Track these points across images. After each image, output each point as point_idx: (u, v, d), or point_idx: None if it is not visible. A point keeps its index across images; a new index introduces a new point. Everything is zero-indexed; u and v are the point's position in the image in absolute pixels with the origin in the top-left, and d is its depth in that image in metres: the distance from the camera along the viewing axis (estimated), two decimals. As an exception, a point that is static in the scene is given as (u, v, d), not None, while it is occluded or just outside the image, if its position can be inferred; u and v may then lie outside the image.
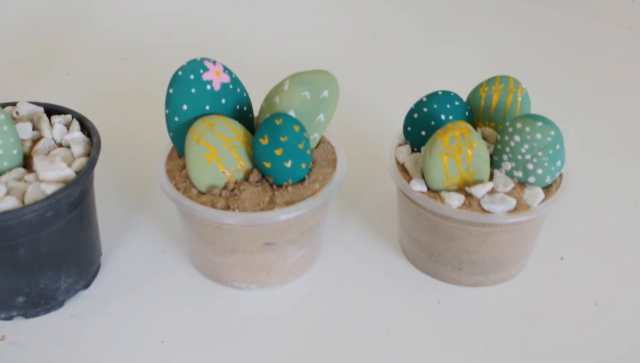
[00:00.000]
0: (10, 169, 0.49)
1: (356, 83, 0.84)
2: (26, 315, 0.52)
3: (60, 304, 0.53)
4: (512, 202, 0.50)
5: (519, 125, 0.51)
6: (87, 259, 0.53)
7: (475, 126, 0.57)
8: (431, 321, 0.53)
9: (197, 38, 0.96)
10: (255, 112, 0.56)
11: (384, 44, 0.98)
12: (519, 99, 0.56)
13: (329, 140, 0.57)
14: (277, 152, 0.50)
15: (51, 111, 0.56)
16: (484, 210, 0.50)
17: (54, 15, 1.01)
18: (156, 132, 0.66)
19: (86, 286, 0.54)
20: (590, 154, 0.73)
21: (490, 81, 0.56)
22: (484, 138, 0.56)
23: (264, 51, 0.93)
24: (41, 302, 0.51)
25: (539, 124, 0.50)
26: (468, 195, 0.51)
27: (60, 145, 0.53)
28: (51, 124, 0.54)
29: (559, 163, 0.51)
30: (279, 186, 0.51)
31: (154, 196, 0.64)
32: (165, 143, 0.56)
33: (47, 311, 0.52)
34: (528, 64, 0.92)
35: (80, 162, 0.50)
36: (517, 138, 0.51)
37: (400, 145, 0.57)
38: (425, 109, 0.55)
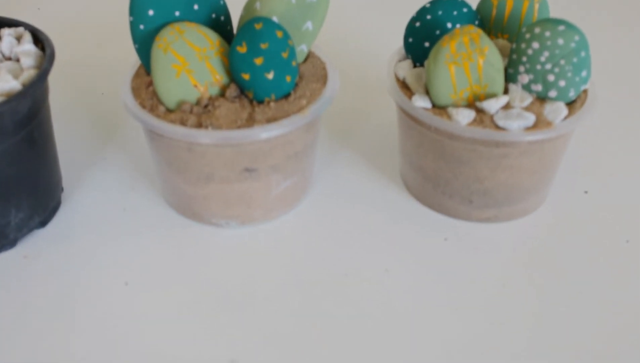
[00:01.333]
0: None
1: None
2: (-28, 254, 0.45)
3: (12, 243, 0.46)
4: (530, 118, 0.43)
5: (537, 30, 0.44)
6: (42, 191, 0.46)
7: (486, 39, 0.50)
8: (437, 260, 0.46)
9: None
10: (235, 23, 0.49)
11: None
12: (536, 6, 0.49)
13: (318, 56, 0.49)
14: (257, 61, 0.43)
15: (1, 23, 0.49)
16: (497, 127, 0.43)
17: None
18: (126, 47, 0.59)
19: (43, 224, 0.47)
20: (618, 70, 0.65)
21: (504, -14, 0.49)
22: (497, 51, 0.49)
23: None
24: (-11, 240, 0.45)
25: (561, 28, 0.43)
26: (479, 111, 0.44)
27: (10, 59, 0.46)
28: (0, 37, 0.47)
29: (584, 73, 0.44)
30: (260, 101, 0.44)
31: (124, 127, 0.57)
32: (133, 59, 0.49)
33: (-3, 250, 0.46)
34: None
35: (29, 74, 0.43)
36: (535, 45, 0.44)
37: (400, 61, 0.50)
38: (428, 17, 0.47)
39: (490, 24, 0.49)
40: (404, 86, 0.47)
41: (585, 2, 0.76)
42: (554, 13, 0.51)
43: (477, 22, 0.48)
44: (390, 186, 0.52)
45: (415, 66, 0.49)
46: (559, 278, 0.45)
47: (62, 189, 0.50)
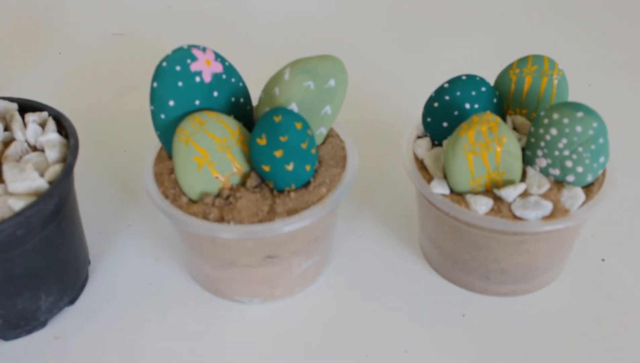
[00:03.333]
0: (-23, 179, 0.44)
1: (369, 65, 0.76)
2: (5, 337, 0.47)
3: (42, 324, 0.47)
4: (547, 206, 0.44)
5: (555, 116, 0.44)
6: (70, 274, 0.48)
7: (504, 114, 0.50)
8: (456, 338, 0.47)
9: (200, 6, 0.89)
10: (255, 101, 0.50)
11: (402, 18, 0.88)
12: (555, 82, 0.48)
13: (337, 133, 0.50)
14: (277, 154, 0.44)
15: (26, 107, 0.49)
16: (515, 216, 0.44)
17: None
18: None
19: (72, 302, 0.49)
20: (633, 146, 0.64)
21: (522, 62, 0.49)
22: (515, 128, 0.49)
23: (273, 20, 0.86)
24: (20, 324, 0.46)
25: (579, 114, 0.43)
26: (497, 198, 0.45)
27: (35, 148, 0.47)
28: (25, 124, 0.48)
29: (602, 159, 0.44)
30: (281, 191, 0.45)
31: (149, 193, 0.58)
32: (155, 138, 0.50)
33: (29, 332, 0.47)
34: (566, 40, 0.82)
35: (55, 170, 0.44)
36: (553, 131, 0.44)
37: (419, 137, 0.50)
38: (447, 97, 0.48)
39: (509, 99, 0.49)
40: (422, 167, 0.48)
41: (604, 78, 0.75)
42: (572, 87, 0.51)
43: (495, 100, 0.48)
44: (410, 258, 0.52)
45: (434, 144, 0.49)
46: (578, 351, 0.46)
47: (89, 262, 0.52)
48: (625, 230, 0.54)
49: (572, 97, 0.50)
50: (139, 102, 0.68)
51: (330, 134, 0.49)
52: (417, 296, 0.50)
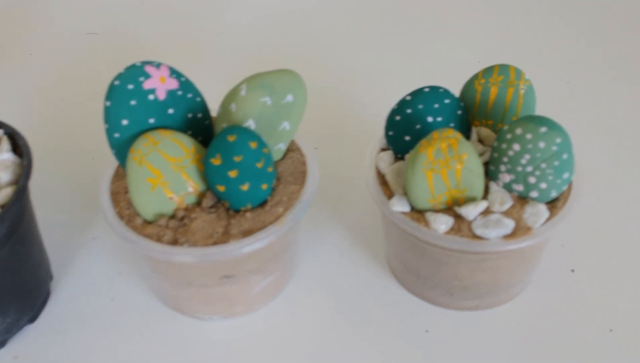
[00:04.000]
0: None
1: (334, 73, 0.73)
2: (-36, 358, 0.46)
3: (1, 344, 0.47)
4: (509, 225, 0.43)
5: (518, 131, 0.43)
6: (29, 293, 0.47)
7: (470, 125, 0.48)
8: (418, 353, 0.46)
9: (173, 3, 0.86)
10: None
11: (381, 18, 0.84)
12: (521, 92, 0.47)
13: (299, 146, 0.49)
14: (232, 174, 0.43)
15: (-20, 123, 0.49)
16: (475, 236, 0.43)
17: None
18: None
19: (32, 320, 0.48)
20: (608, 151, 0.62)
21: (488, 72, 0.47)
22: (480, 140, 0.48)
23: (248, 18, 0.83)
24: (-21, 345, 0.46)
25: (543, 130, 0.42)
26: (458, 217, 0.44)
27: (-12, 167, 0.46)
28: (-22, 142, 0.47)
29: (566, 175, 0.43)
30: (237, 211, 0.44)
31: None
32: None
33: (-12, 352, 0.47)
34: (534, 49, 0.78)
35: (6, 193, 0.43)
36: (516, 147, 0.43)
37: (383, 150, 0.49)
38: (409, 111, 0.46)
39: (474, 110, 0.48)
40: (384, 182, 0.47)
41: (574, 87, 0.72)
42: (540, 97, 0.49)
43: (459, 112, 0.47)
44: (375, 268, 0.51)
45: (396, 158, 0.48)
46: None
47: (52, 277, 0.51)
48: (596, 240, 0.53)
49: (545, 105, 0.49)
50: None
51: (291, 148, 0.48)
52: (381, 311, 0.49)
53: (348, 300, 0.50)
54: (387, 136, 0.48)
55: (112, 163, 0.48)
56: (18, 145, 0.47)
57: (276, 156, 0.47)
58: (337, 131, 0.64)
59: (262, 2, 0.86)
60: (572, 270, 0.51)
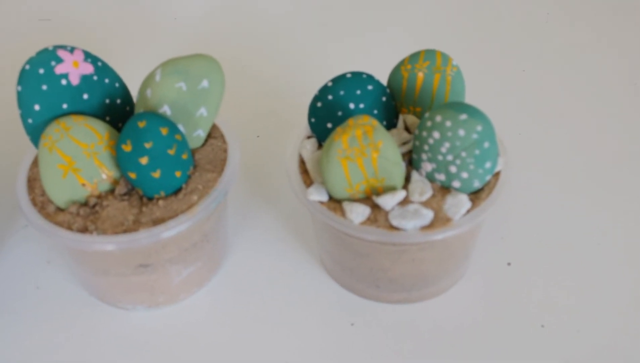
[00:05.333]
0: None
1: (262, 59, 0.71)
2: None
3: None
4: (427, 215, 0.41)
5: (438, 118, 0.41)
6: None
7: (397, 113, 0.47)
8: (344, 346, 0.45)
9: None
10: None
11: (320, 5, 0.81)
12: (449, 78, 0.45)
13: (223, 133, 0.48)
14: (142, 161, 0.42)
15: None
16: (392, 226, 0.41)
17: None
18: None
19: (-45, 307, 0.48)
20: (543, 139, 0.60)
21: (414, 58, 0.46)
22: (407, 128, 0.46)
23: (202, 4, 0.81)
24: None
25: (462, 117, 0.40)
26: (375, 206, 0.42)
27: None
28: None
29: (488, 165, 0.42)
30: (150, 199, 0.43)
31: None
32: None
33: None
34: (463, 33, 0.75)
35: None
36: (436, 135, 0.41)
37: (308, 137, 0.47)
38: (330, 97, 0.45)
39: (401, 97, 0.47)
40: (305, 170, 0.45)
41: (504, 70, 0.69)
42: (469, 82, 0.48)
43: (384, 98, 0.45)
44: (305, 259, 0.50)
45: (320, 146, 0.47)
46: (472, 359, 0.44)
47: (-20, 264, 0.51)
48: (536, 233, 0.51)
49: (468, 94, 0.47)
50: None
51: (213, 136, 0.47)
52: (309, 303, 0.48)
53: (276, 291, 0.48)
54: (310, 123, 0.46)
55: (32, 149, 0.47)
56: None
57: (195, 143, 0.46)
58: (277, 119, 0.63)
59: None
60: (509, 264, 0.49)
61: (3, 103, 0.61)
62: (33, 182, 0.45)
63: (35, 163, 0.47)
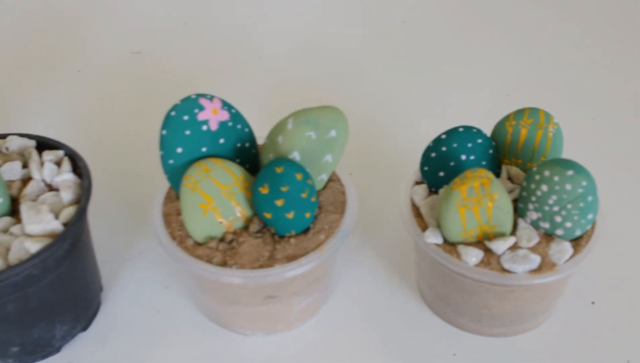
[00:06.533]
0: (-4, 218, 0.47)
1: (373, 108, 0.76)
2: None
3: (57, 350, 0.51)
4: (535, 260, 0.46)
5: (547, 173, 0.46)
6: (83, 303, 0.51)
7: (500, 164, 0.51)
8: (446, 376, 0.49)
9: (214, 25, 0.91)
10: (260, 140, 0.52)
11: (417, 56, 0.86)
12: (550, 135, 0.50)
13: (339, 176, 0.52)
14: (278, 203, 0.46)
15: (43, 144, 0.52)
16: (504, 269, 0.46)
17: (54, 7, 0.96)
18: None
19: (84, 328, 0.52)
20: (629, 189, 0.65)
21: (518, 114, 0.50)
22: (510, 178, 0.51)
23: (287, 43, 0.87)
24: (36, 350, 0.49)
25: (569, 173, 0.45)
26: (487, 250, 0.47)
27: (51, 187, 0.50)
28: (42, 162, 0.50)
29: (590, 216, 0.46)
30: (281, 237, 0.48)
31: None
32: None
33: (44, 357, 0.50)
34: (560, 83, 0.80)
35: (69, 212, 0.47)
36: (544, 188, 0.46)
37: (417, 183, 0.52)
38: (444, 148, 0.49)
39: (504, 149, 0.51)
40: (418, 214, 0.50)
41: (600, 130, 0.74)
42: (568, 138, 0.52)
43: (491, 151, 0.50)
44: (406, 293, 0.55)
45: (430, 191, 0.51)
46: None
47: (102, 288, 0.55)
48: (616, 275, 0.56)
49: (566, 150, 0.51)
50: (154, 125, 0.70)
51: (332, 179, 0.51)
52: (411, 334, 0.52)
53: (379, 322, 0.53)
54: (423, 171, 0.51)
55: (163, 185, 0.51)
56: (77, 166, 0.51)
57: (318, 186, 0.50)
58: (370, 160, 0.68)
59: (300, 29, 0.90)
60: (593, 302, 0.54)
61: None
62: (168, 217, 0.49)
63: (168, 199, 0.51)
